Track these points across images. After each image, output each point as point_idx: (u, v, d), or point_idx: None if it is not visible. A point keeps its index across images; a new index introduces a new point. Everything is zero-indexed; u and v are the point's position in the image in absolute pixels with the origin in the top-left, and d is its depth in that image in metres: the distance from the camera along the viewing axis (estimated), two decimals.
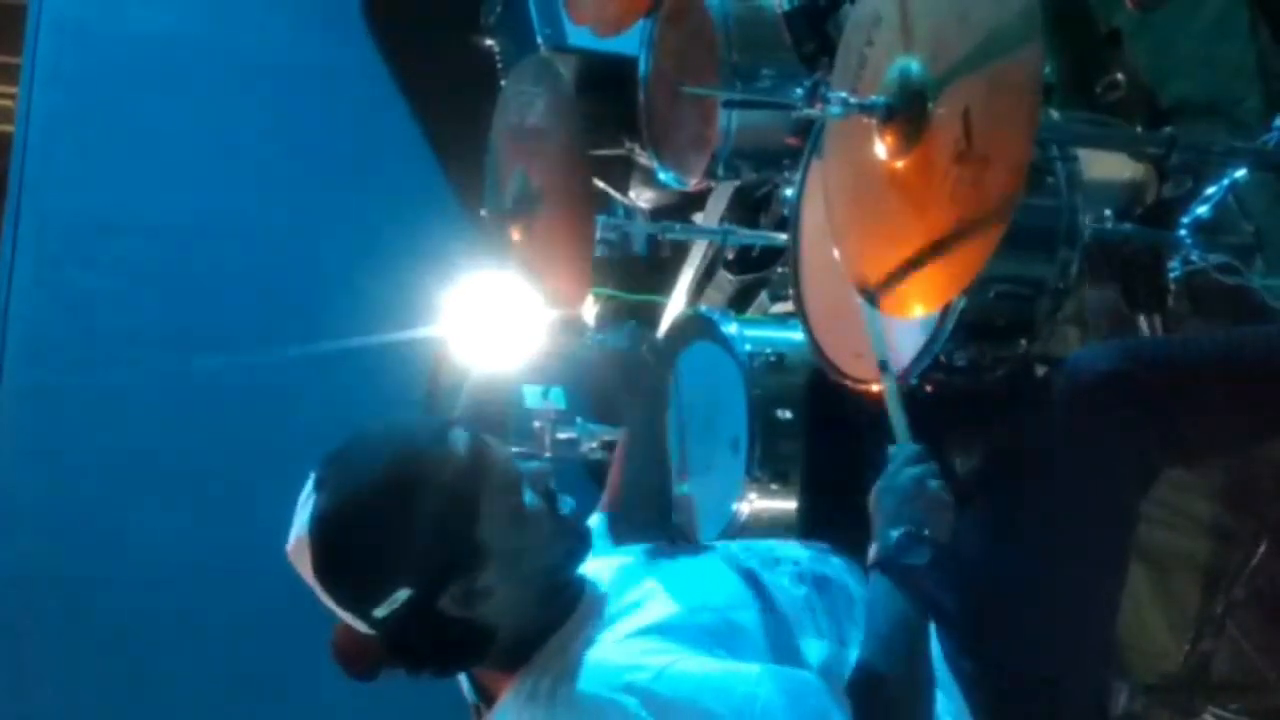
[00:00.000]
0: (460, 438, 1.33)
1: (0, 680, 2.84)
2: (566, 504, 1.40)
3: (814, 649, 1.41)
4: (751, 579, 1.47)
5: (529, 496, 1.35)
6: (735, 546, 1.58)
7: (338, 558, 1.29)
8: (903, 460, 1.41)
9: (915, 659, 1.34)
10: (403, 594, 1.27)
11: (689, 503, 2.21)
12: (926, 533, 1.34)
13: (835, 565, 1.54)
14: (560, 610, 1.38)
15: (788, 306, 2.21)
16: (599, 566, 1.48)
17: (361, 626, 1.30)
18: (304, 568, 1.31)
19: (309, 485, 1.32)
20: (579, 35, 2.57)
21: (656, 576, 1.44)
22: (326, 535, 1.28)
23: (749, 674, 1.27)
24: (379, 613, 1.27)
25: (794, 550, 1.57)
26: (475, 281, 2.41)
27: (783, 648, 1.39)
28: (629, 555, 1.53)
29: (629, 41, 2.35)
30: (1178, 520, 1.98)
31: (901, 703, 1.32)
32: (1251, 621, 1.93)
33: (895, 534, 1.34)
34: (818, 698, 1.27)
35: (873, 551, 1.38)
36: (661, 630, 1.33)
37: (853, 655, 1.36)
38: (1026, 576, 1.50)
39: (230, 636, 2.88)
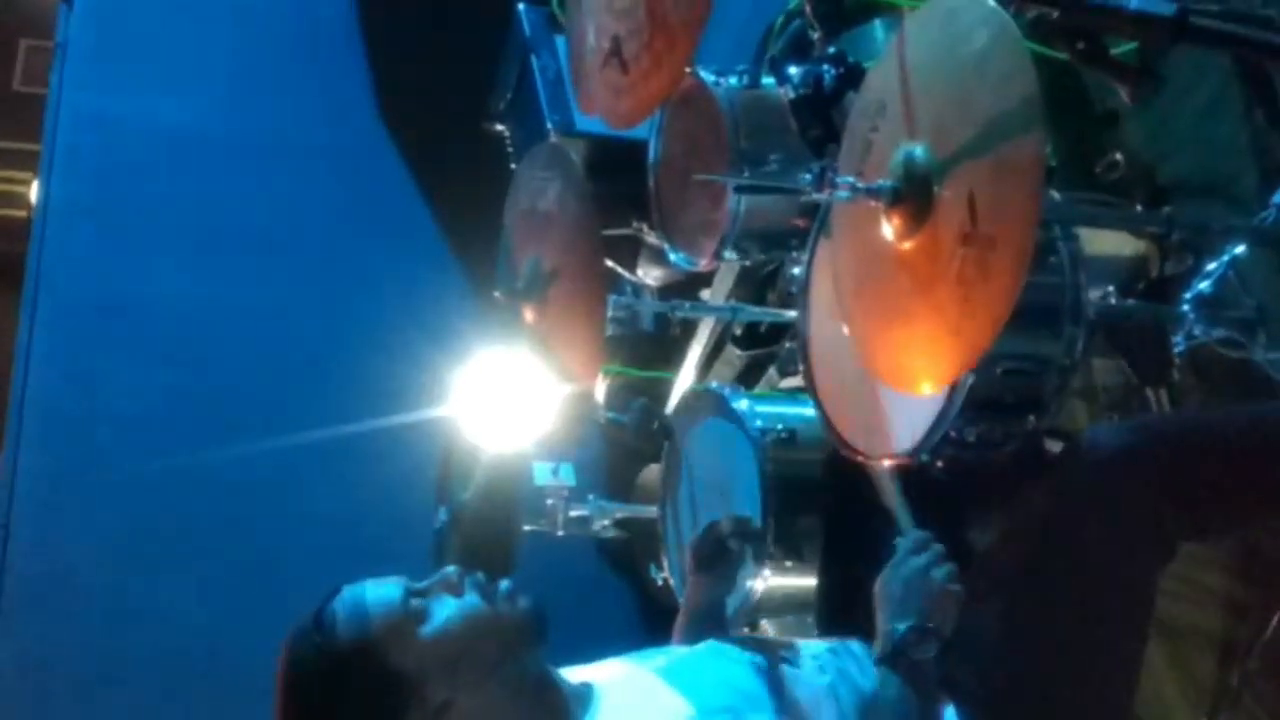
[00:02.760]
0: (329, 613, 1.37)
1: None
2: (500, 588, 1.41)
3: None
4: (768, 673, 1.47)
5: (432, 609, 1.37)
6: (752, 642, 1.58)
7: None
8: (907, 549, 1.42)
9: None
10: None
11: None
12: (932, 625, 1.35)
13: (858, 654, 1.54)
14: (561, 713, 1.38)
15: (796, 381, 2.24)
16: (609, 673, 1.48)
17: None
18: None
19: None
20: (587, 121, 2.63)
21: (669, 679, 1.44)
22: None
23: None
24: None
25: (815, 645, 1.57)
26: (487, 362, 2.44)
27: None
28: (641, 660, 1.52)
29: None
30: (1189, 591, 1.98)
31: None
32: (1268, 693, 1.92)
33: (901, 628, 1.35)
34: None
35: (878, 645, 1.38)
36: None
37: None
38: (1046, 654, 1.51)
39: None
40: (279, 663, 1.37)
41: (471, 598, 1.38)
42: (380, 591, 1.37)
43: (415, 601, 1.37)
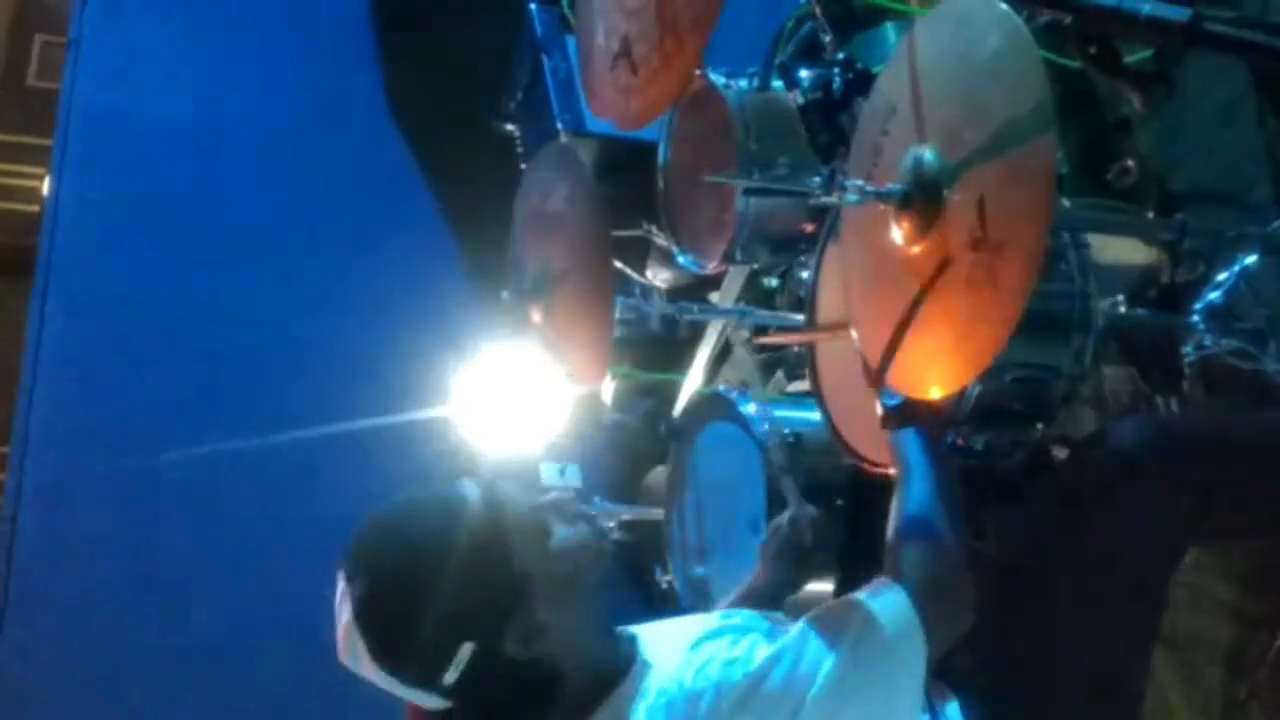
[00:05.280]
0: (469, 487, 1.34)
1: None
2: (595, 523, 1.43)
3: None
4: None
5: (555, 525, 1.37)
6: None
7: (393, 637, 1.29)
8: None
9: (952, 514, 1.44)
10: (466, 650, 1.27)
11: (706, 585, 2.21)
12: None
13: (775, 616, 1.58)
14: (616, 659, 1.39)
15: (804, 385, 2.23)
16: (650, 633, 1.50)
17: (432, 700, 1.30)
18: (360, 662, 1.30)
19: (340, 582, 1.32)
20: (598, 121, 2.62)
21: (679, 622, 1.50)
22: (375, 620, 1.28)
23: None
24: (449, 678, 1.27)
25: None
26: (494, 362, 2.44)
27: None
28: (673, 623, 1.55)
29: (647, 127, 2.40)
30: (1198, 602, 1.97)
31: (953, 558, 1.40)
32: (1277, 706, 1.91)
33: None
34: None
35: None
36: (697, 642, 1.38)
37: None
38: (1054, 659, 1.50)
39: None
40: (391, 512, 1.34)
41: (583, 527, 1.40)
42: (512, 491, 1.37)
43: (541, 514, 1.37)
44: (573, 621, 1.35)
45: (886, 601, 1.35)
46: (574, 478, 2.56)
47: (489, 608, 1.29)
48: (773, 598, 1.79)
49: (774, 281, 2.40)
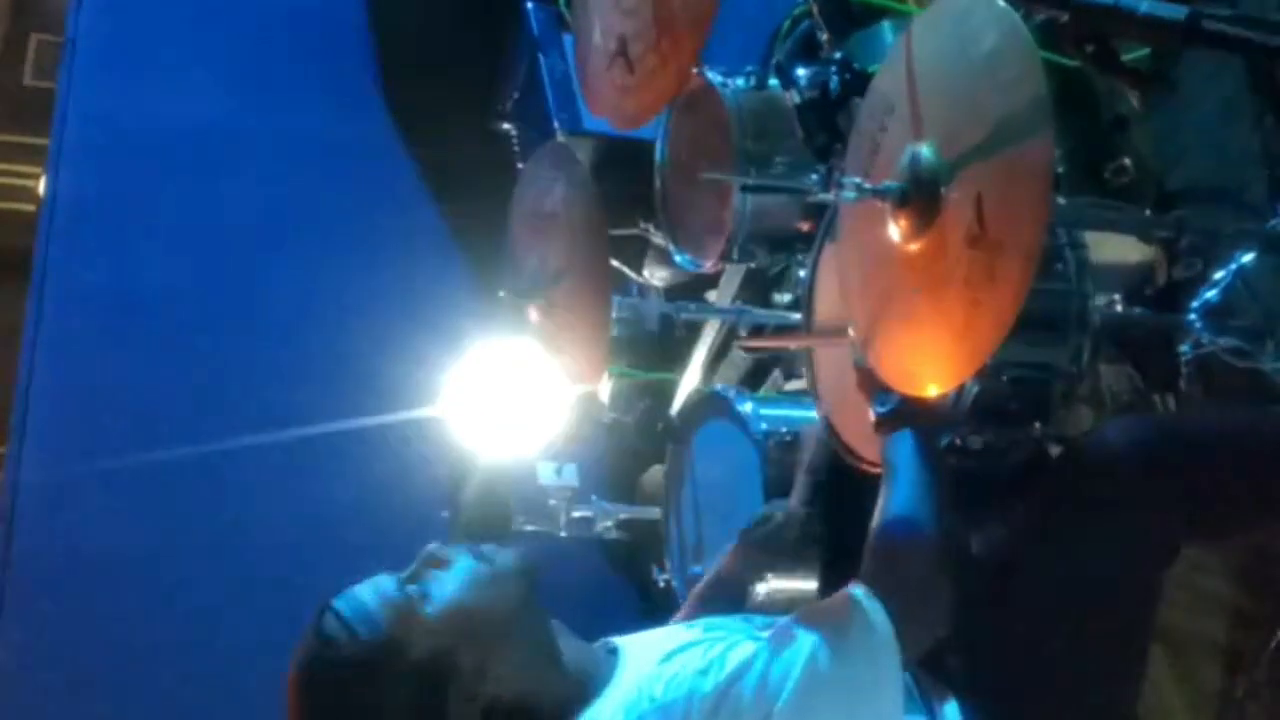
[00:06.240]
0: (332, 624, 1.33)
1: None
2: (484, 547, 1.41)
3: None
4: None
5: (427, 589, 1.36)
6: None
7: None
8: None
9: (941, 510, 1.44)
10: None
11: None
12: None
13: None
14: (583, 679, 1.38)
15: (801, 384, 2.23)
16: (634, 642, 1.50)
17: None
18: None
19: None
20: (594, 120, 2.63)
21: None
22: None
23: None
24: None
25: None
26: (491, 361, 2.44)
27: None
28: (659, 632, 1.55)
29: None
30: (1195, 600, 1.97)
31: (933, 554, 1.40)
32: (1274, 704, 1.91)
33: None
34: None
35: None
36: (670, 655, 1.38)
37: None
38: (1049, 656, 1.50)
39: None
40: (292, 692, 1.34)
41: (463, 562, 1.38)
42: (371, 588, 1.36)
43: (411, 587, 1.36)
44: (513, 650, 1.35)
45: (858, 606, 1.35)
46: (571, 477, 2.57)
47: (424, 696, 1.31)
48: (740, 586, 1.82)
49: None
